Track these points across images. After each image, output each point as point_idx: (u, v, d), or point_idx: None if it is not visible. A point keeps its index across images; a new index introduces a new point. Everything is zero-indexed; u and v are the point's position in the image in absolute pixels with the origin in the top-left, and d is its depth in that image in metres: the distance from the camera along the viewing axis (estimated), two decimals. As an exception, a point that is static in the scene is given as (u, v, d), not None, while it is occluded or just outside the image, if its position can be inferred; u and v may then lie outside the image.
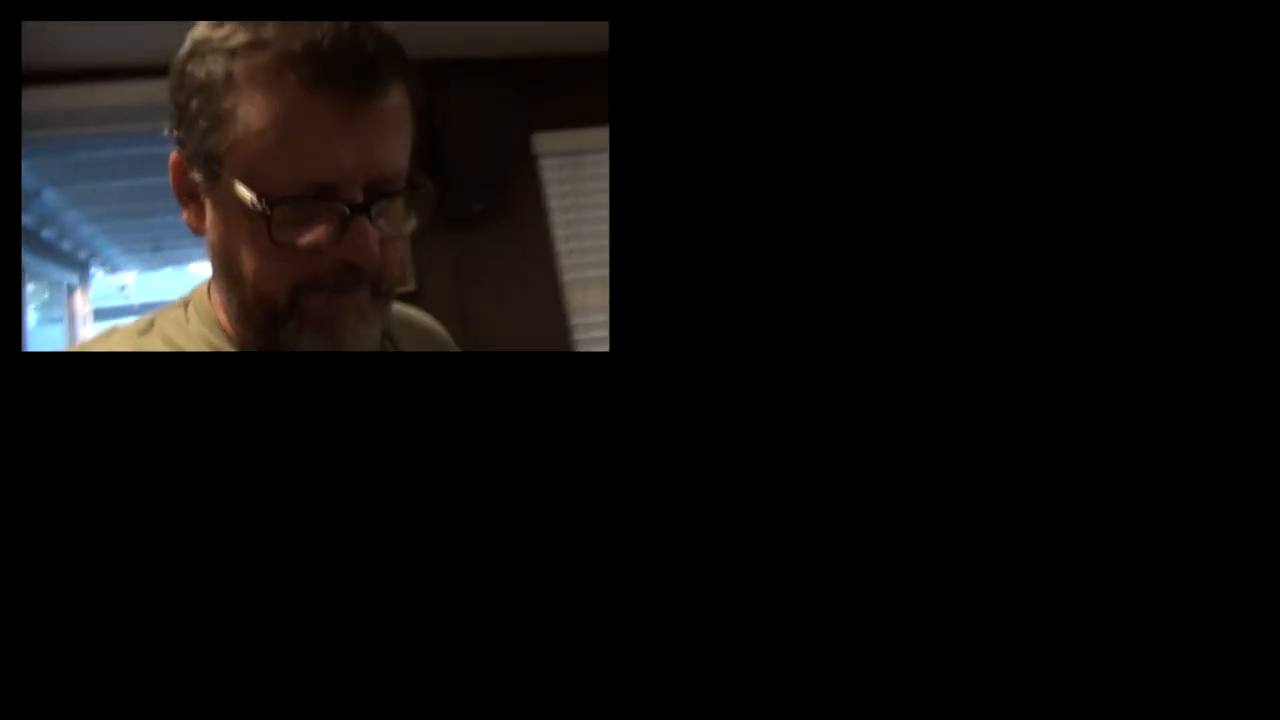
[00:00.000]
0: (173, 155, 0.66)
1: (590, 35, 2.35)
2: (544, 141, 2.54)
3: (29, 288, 3.05)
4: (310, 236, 0.62)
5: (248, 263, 0.64)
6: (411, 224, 0.68)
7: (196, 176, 0.65)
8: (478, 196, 2.36)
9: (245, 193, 0.61)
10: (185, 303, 0.73)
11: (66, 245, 3.97)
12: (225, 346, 0.69)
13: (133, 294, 6.05)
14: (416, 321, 0.89)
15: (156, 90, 0.76)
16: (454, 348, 0.91)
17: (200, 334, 0.70)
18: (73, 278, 4.42)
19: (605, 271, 2.61)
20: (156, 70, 0.76)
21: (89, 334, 5.14)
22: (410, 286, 2.21)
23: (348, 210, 0.62)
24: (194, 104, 0.62)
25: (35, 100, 1.97)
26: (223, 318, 0.70)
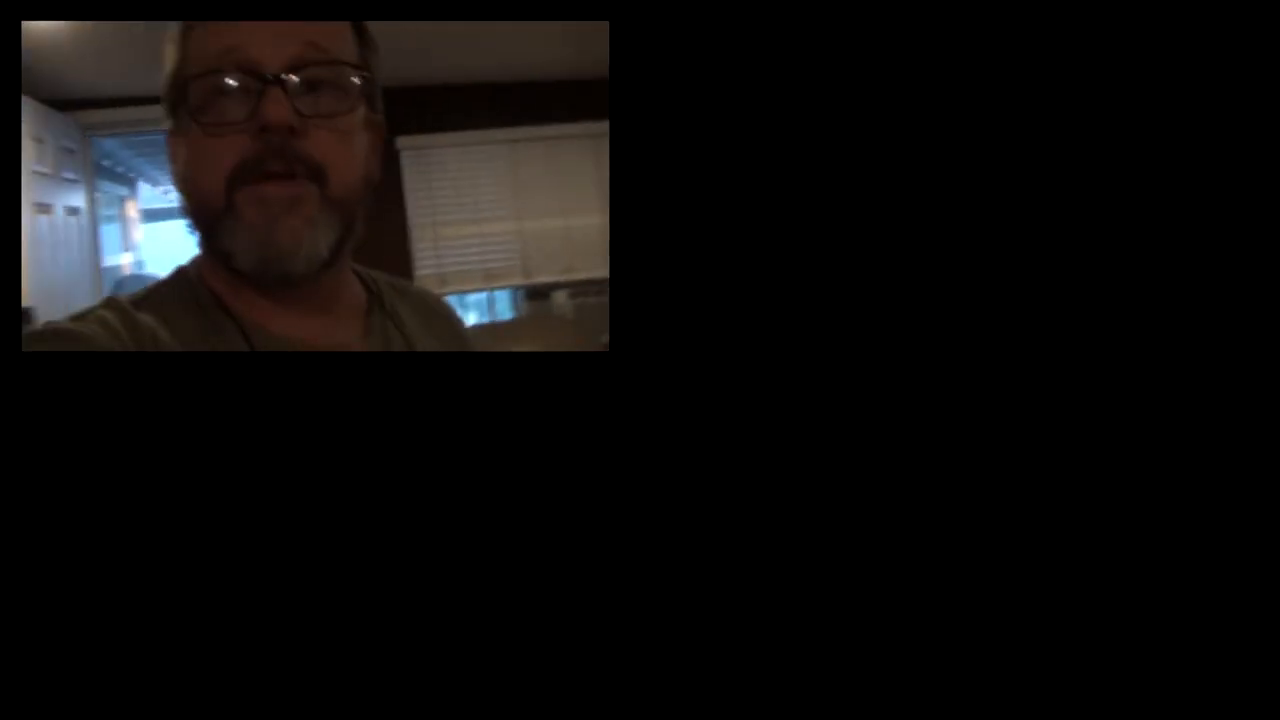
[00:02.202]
0: (168, 132, 0.68)
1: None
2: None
3: (95, 195, 3.81)
4: (227, 113, 0.62)
5: (192, 166, 0.64)
6: (351, 107, 0.66)
7: (170, 127, 0.67)
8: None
9: (171, 98, 0.64)
10: (178, 272, 0.71)
11: (119, 169, 4.86)
12: (212, 311, 0.67)
13: (173, 199, 6.91)
14: (413, 290, 0.86)
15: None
16: (454, 316, 0.88)
17: (192, 301, 0.67)
18: (124, 190, 5.34)
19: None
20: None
21: (139, 234, 6.03)
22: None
23: (261, 80, 0.61)
24: (166, 68, 0.66)
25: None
26: (216, 280, 0.68)
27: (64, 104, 3.14)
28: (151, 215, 6.42)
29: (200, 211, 0.65)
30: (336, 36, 0.66)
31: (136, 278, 5.18)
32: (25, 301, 2.43)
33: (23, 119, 2.85)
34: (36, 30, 2.46)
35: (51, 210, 2.98)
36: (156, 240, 6.31)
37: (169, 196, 6.92)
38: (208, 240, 0.65)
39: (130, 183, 5.63)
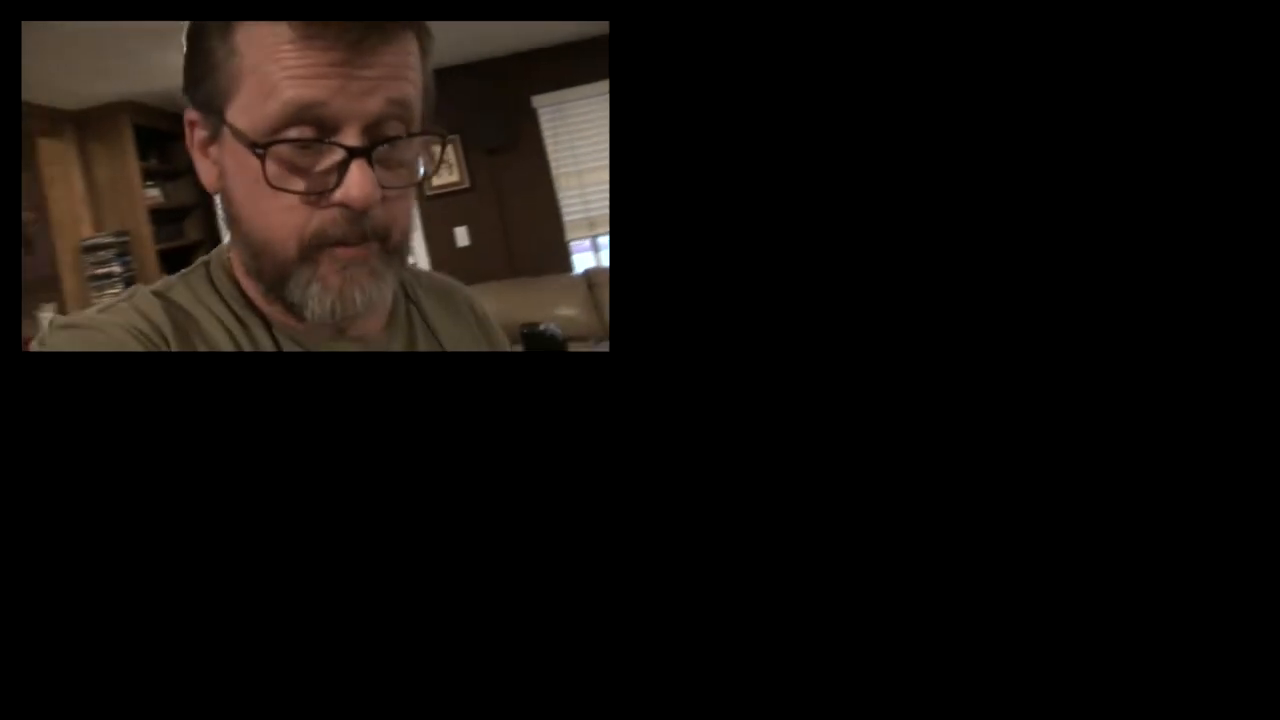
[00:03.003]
0: (187, 112, 0.66)
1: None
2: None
3: None
4: (307, 180, 0.61)
5: (253, 214, 0.63)
6: (418, 174, 0.66)
7: (204, 131, 0.65)
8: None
9: (242, 135, 0.61)
10: (206, 262, 0.71)
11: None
12: (237, 307, 0.68)
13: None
14: (435, 278, 0.87)
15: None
16: (476, 302, 0.89)
17: (213, 295, 0.69)
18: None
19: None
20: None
21: None
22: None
23: (345, 153, 0.60)
24: (198, 56, 0.63)
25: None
26: (240, 275, 0.69)
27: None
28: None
29: (267, 258, 0.64)
30: (415, 88, 0.64)
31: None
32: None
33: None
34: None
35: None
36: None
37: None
38: (273, 287, 0.65)
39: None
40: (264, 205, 0.62)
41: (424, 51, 0.65)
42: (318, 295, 0.64)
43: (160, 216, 3.62)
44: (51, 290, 3.31)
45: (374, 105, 0.60)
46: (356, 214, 0.62)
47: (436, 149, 0.68)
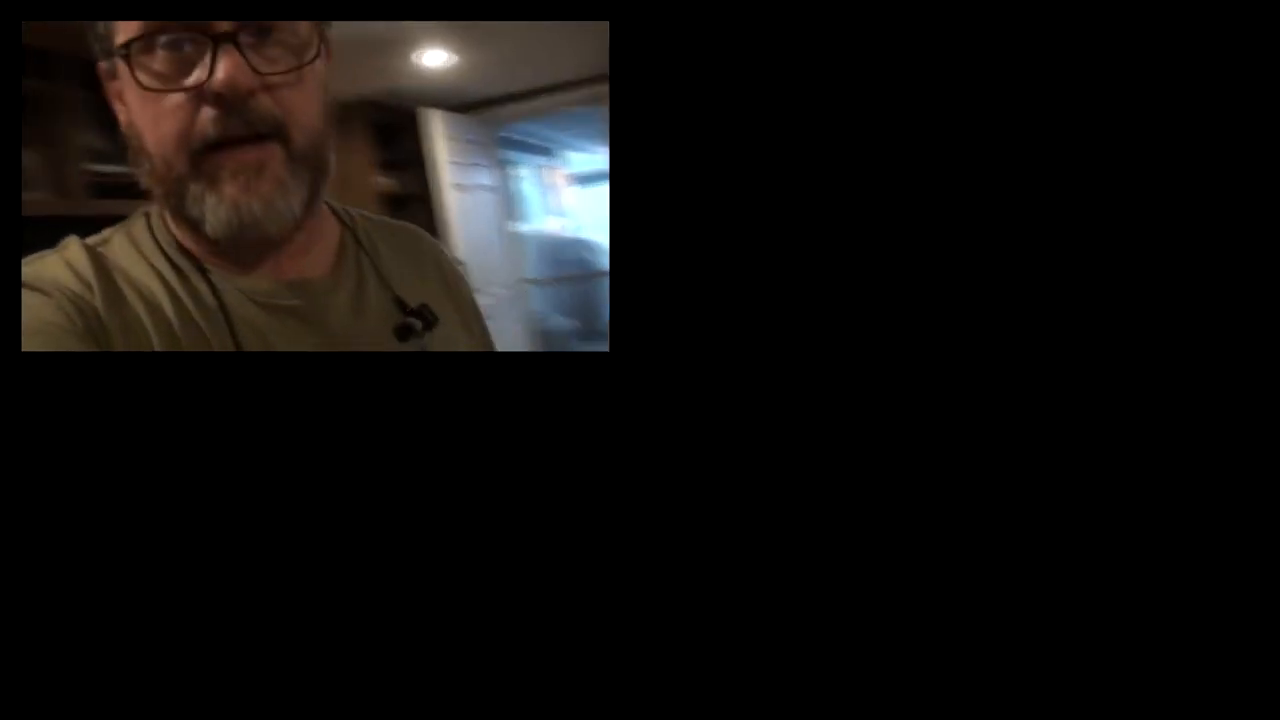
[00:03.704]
0: (99, 65, 0.63)
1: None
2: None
3: (507, 172, 4.84)
4: (179, 77, 0.58)
5: (144, 133, 0.60)
6: (298, 60, 0.61)
7: (111, 76, 0.63)
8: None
9: (119, 50, 0.59)
10: (146, 213, 0.68)
11: (535, 141, 5.76)
12: (173, 253, 0.65)
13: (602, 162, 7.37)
14: (396, 225, 0.82)
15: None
16: (445, 257, 0.85)
17: (150, 242, 0.65)
18: (541, 159, 6.17)
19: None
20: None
21: (569, 199, 6.51)
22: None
23: (210, 40, 0.57)
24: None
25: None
26: (170, 219, 0.66)
27: (468, 106, 3.98)
28: (584, 179, 6.78)
29: (158, 175, 0.61)
30: None
31: (575, 241, 5.89)
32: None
33: (437, 125, 3.72)
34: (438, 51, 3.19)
35: (467, 189, 3.85)
36: (590, 203, 6.60)
37: (597, 159, 7.55)
38: (170, 205, 0.62)
39: (547, 153, 6.11)
40: (150, 120, 0.60)
41: None
42: (213, 207, 0.60)
43: (392, 202, 3.97)
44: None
45: None
46: (233, 105, 0.58)
47: (315, 36, 0.63)
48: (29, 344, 0.57)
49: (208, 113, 0.59)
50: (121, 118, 0.64)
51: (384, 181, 3.90)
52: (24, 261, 0.62)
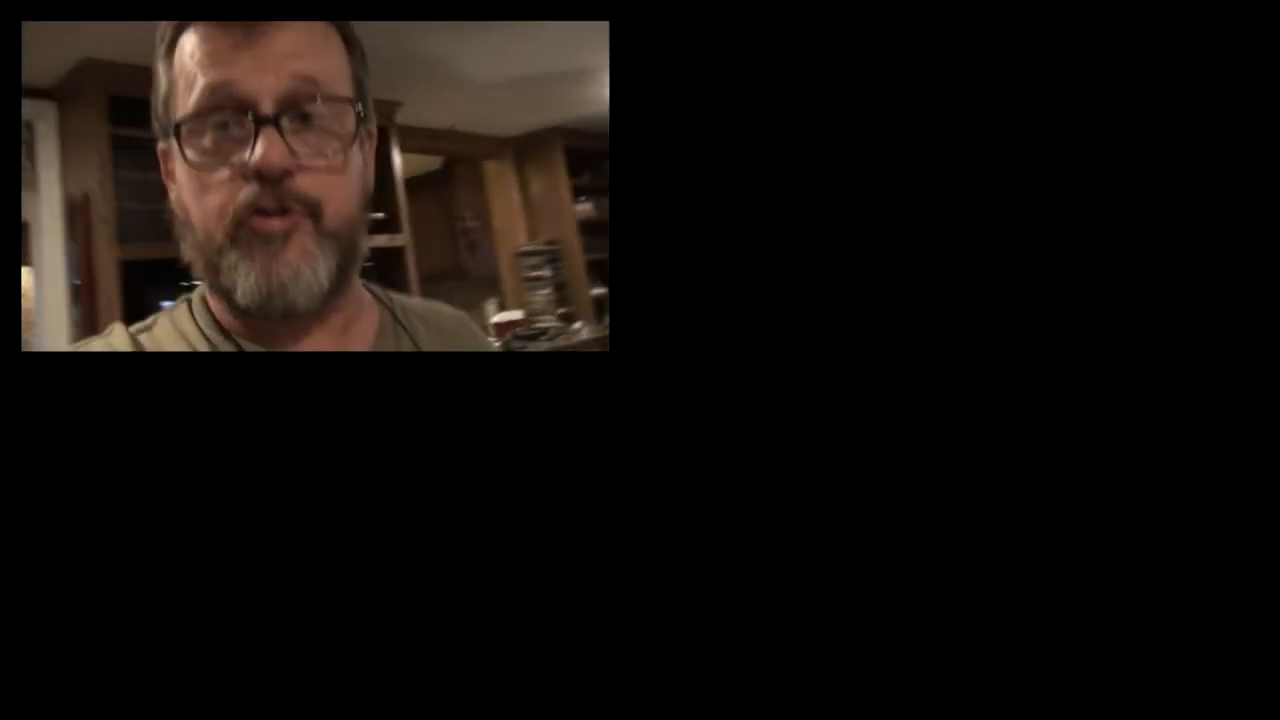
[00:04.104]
0: (159, 146, 0.68)
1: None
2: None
3: None
4: (224, 155, 0.62)
5: (189, 207, 0.64)
6: (336, 145, 0.65)
7: (165, 153, 0.67)
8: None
9: (164, 122, 0.63)
10: (188, 298, 0.72)
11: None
12: (211, 333, 0.68)
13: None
14: (423, 303, 0.85)
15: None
16: (467, 319, 0.87)
17: (190, 324, 0.69)
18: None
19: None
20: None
21: None
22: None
23: (253, 122, 0.61)
24: (155, 88, 0.67)
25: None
26: (210, 298, 0.70)
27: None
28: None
29: (199, 246, 0.65)
30: (328, 63, 0.66)
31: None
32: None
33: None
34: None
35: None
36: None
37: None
38: (209, 277, 0.66)
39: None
40: (194, 195, 0.64)
41: (346, 40, 0.68)
42: (244, 273, 0.63)
43: (591, 229, 4.06)
44: (494, 288, 3.95)
45: (281, 79, 0.62)
46: (270, 182, 0.62)
47: (352, 121, 0.67)
48: None
49: (243, 187, 0.63)
50: (171, 194, 0.68)
51: (582, 208, 4.06)
52: (73, 347, 0.68)
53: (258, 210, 0.63)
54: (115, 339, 0.68)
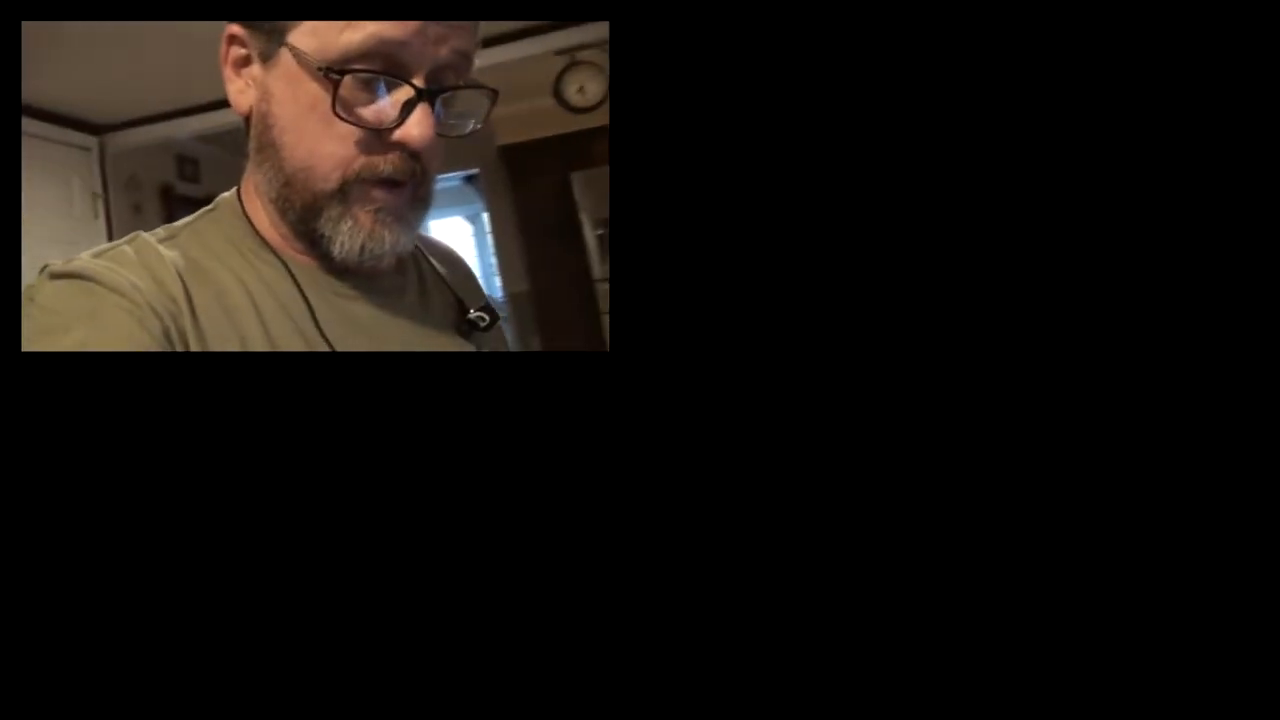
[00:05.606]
0: (230, 26, 0.63)
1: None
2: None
3: None
4: (374, 113, 0.60)
5: (297, 140, 0.62)
6: (466, 128, 0.65)
7: (248, 49, 0.63)
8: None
9: (307, 59, 0.59)
10: (209, 210, 0.69)
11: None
12: (252, 246, 0.66)
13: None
14: (436, 240, 0.85)
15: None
16: (474, 277, 0.88)
17: (227, 240, 0.66)
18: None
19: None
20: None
21: None
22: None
23: (414, 93, 0.60)
24: None
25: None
26: (259, 216, 0.67)
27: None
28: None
29: (302, 187, 0.63)
30: (473, 41, 0.64)
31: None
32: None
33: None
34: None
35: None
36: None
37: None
38: (302, 219, 0.64)
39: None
40: (314, 132, 0.61)
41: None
42: (349, 232, 0.63)
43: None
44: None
45: (443, 53, 0.61)
46: (411, 154, 0.62)
47: (487, 103, 0.67)
48: (105, 344, 0.57)
49: (383, 152, 0.62)
50: (237, 96, 0.65)
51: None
52: (91, 253, 0.62)
53: (385, 180, 0.63)
54: (141, 245, 0.64)
